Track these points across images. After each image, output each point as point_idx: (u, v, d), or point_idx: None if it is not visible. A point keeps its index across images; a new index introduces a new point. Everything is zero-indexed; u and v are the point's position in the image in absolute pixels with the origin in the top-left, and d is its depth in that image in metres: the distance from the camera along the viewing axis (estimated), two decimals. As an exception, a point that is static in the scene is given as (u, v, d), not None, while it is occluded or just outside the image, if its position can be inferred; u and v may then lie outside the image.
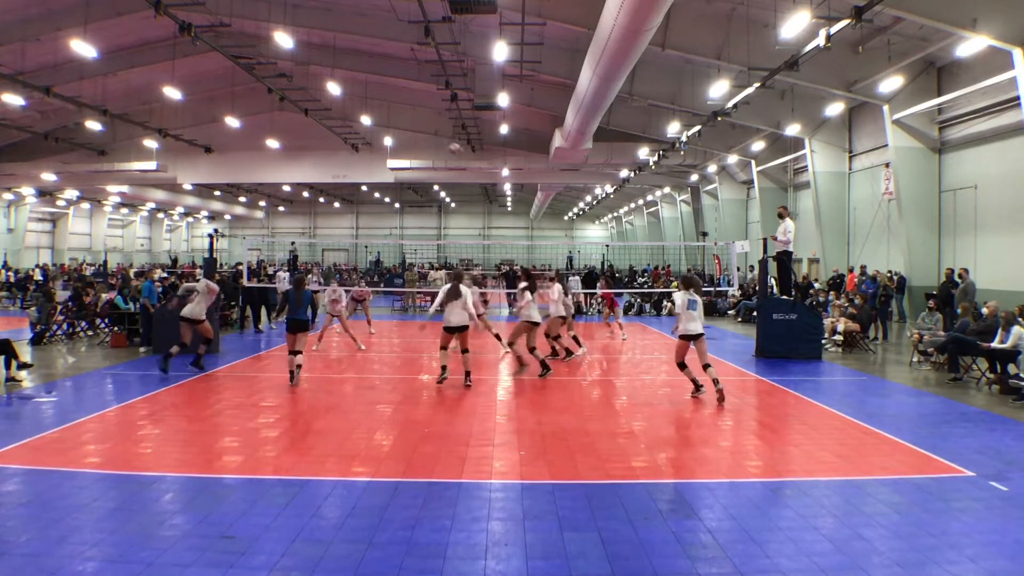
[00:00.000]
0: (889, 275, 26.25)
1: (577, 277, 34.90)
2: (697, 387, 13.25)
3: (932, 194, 26.72)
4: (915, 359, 17.30)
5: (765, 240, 20.24)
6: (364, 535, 6.66)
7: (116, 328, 20.07)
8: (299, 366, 14.31)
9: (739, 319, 28.15)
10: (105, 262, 47.10)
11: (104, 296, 23.54)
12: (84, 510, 7.27)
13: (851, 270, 29.60)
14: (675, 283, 36.70)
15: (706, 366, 12.95)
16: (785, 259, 19.66)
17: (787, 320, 17.96)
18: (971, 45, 20.68)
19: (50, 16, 28.24)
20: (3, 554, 6.21)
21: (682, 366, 13.19)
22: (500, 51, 24.12)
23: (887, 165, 28.68)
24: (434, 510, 7.31)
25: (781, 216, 19.65)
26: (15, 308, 32.63)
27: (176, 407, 12.30)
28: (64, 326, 21.26)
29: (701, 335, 13.02)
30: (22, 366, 14.58)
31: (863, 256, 31.18)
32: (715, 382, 12.82)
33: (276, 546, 6.39)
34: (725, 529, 6.88)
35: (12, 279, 41.18)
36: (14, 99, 30.94)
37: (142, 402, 12.56)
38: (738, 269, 28.11)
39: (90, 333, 21.79)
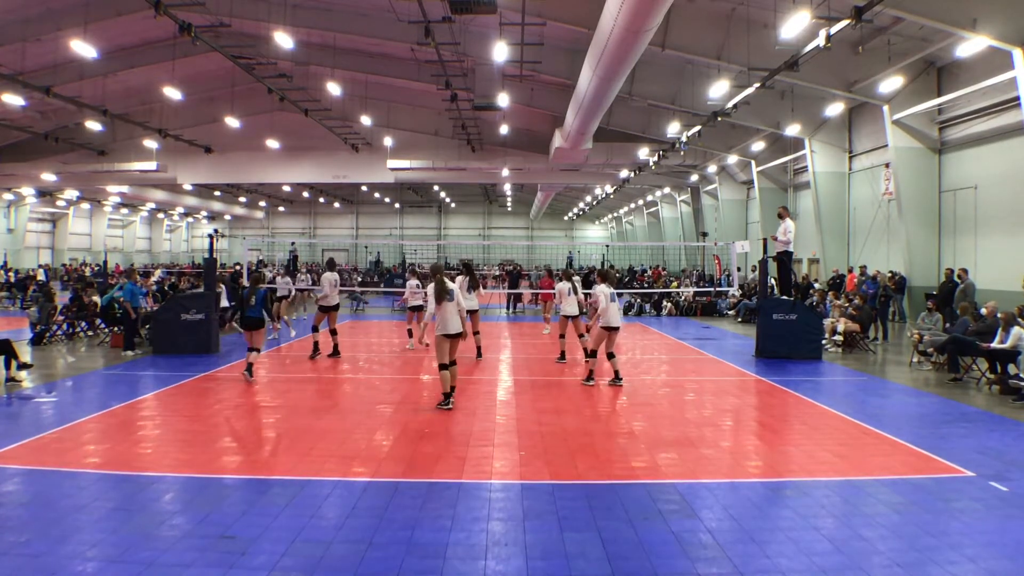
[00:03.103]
0: (890, 275, 26.24)
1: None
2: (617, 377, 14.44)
3: (932, 194, 26.71)
4: (915, 359, 17.28)
5: (765, 240, 20.24)
6: (364, 535, 6.67)
7: (116, 328, 20.03)
8: (251, 364, 14.64)
9: (739, 319, 28.13)
10: (105, 262, 47.05)
11: (96, 297, 23.36)
12: (84, 510, 7.28)
13: (851, 270, 29.60)
14: (675, 282, 36.75)
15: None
16: (785, 259, 19.67)
17: (787, 320, 17.95)
18: (971, 45, 20.69)
19: (50, 16, 28.25)
20: (4, 554, 6.22)
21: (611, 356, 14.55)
22: (500, 51, 24.12)
23: (887, 165, 28.68)
24: (434, 510, 7.32)
25: (781, 216, 19.65)
26: (15, 308, 32.59)
27: (176, 407, 12.30)
28: (64, 326, 21.25)
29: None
30: (22, 366, 14.57)
31: (863, 256, 31.17)
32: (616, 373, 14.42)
33: (276, 546, 6.40)
34: (725, 529, 6.89)
35: (12, 279, 41.11)
36: (14, 99, 30.95)
37: (142, 402, 12.58)
38: (738, 269, 28.09)
39: (90, 333, 21.77)
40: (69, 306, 22.24)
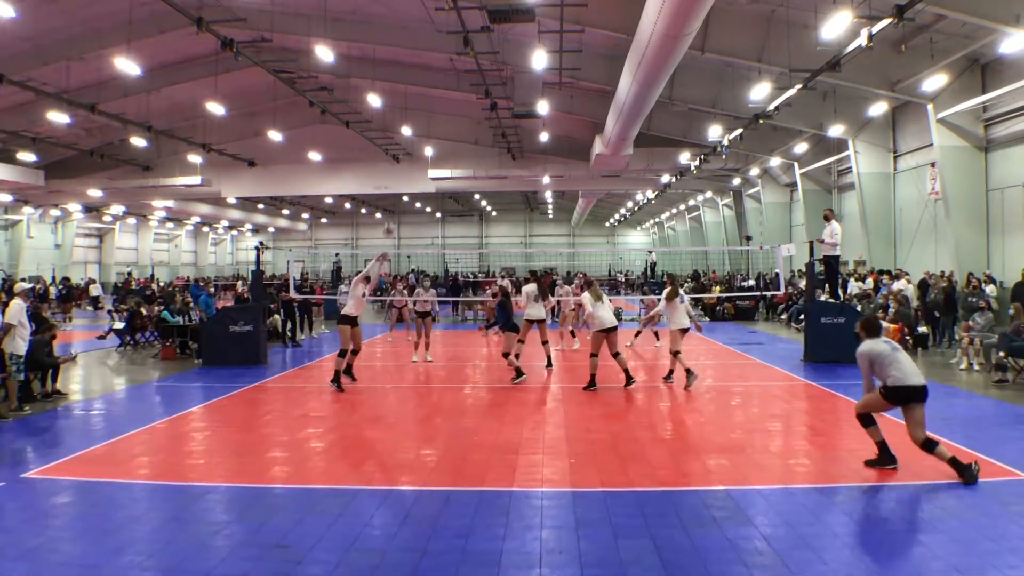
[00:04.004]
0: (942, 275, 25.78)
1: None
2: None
3: (979, 193, 26.30)
4: (964, 362, 16.98)
5: (811, 243, 20.08)
6: (418, 544, 6.69)
7: (168, 342, 20.35)
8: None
9: (793, 325, 27.38)
10: (152, 276, 47.85)
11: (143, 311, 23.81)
12: (139, 521, 7.39)
13: (882, 272, 29.03)
14: (718, 287, 36.53)
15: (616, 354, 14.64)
16: (832, 262, 19.49)
17: (836, 324, 17.79)
18: (1015, 41, 20.31)
19: (94, 35, 28.65)
20: (62, 564, 6.33)
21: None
22: (539, 59, 24.08)
23: (933, 165, 28.31)
24: (486, 518, 7.33)
25: (827, 219, 19.46)
26: (69, 324, 32.99)
27: (225, 419, 12.44)
28: (136, 337, 22.28)
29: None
30: (55, 391, 14.50)
31: (911, 257, 30.76)
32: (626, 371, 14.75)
33: (331, 555, 6.44)
34: (781, 536, 6.82)
35: (63, 292, 41.63)
36: (60, 117, 31.46)
37: (192, 414, 12.72)
38: (791, 273, 27.68)
39: (154, 345, 22.04)
40: (131, 319, 22.77)
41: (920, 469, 8.80)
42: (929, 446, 8.58)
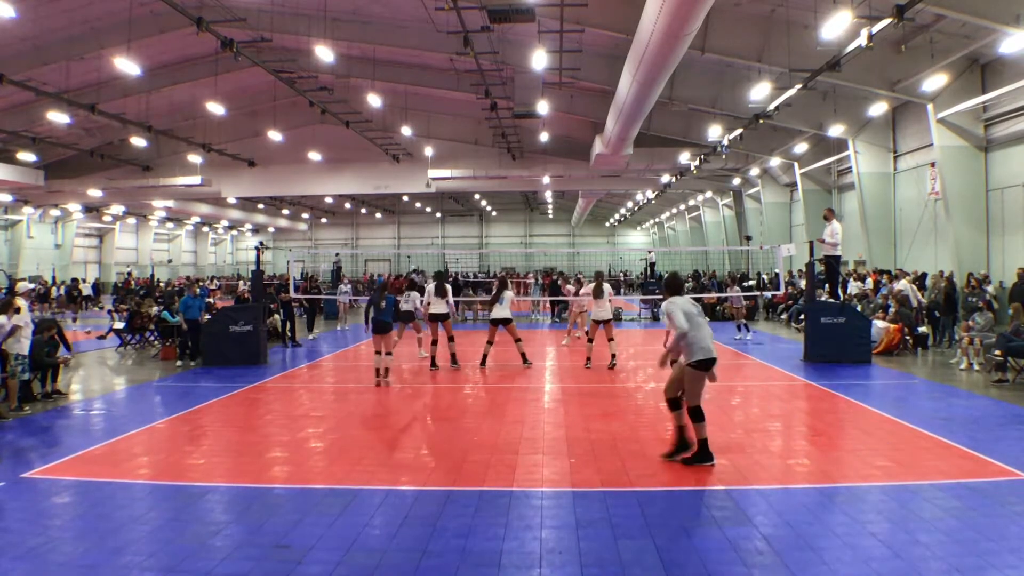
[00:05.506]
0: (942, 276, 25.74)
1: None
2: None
3: (979, 193, 26.28)
4: (964, 362, 16.96)
5: (811, 243, 20.07)
6: (418, 544, 6.69)
7: (168, 342, 20.33)
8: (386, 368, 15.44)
9: (793, 325, 27.37)
10: (152, 276, 47.77)
11: (153, 309, 23.85)
12: (139, 521, 7.38)
13: (882, 272, 29.00)
14: (729, 287, 36.50)
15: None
16: (833, 262, 19.48)
17: (835, 324, 17.78)
18: (1015, 41, 20.28)
19: (93, 35, 28.68)
20: (62, 565, 6.32)
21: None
22: (539, 59, 24.05)
23: (933, 164, 28.29)
24: (487, 518, 7.32)
25: (827, 219, 19.44)
26: (75, 323, 32.97)
27: (225, 419, 12.43)
28: (136, 336, 22.32)
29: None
30: (55, 391, 14.50)
31: (911, 257, 30.74)
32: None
33: (331, 555, 6.44)
34: (781, 536, 6.83)
35: (72, 293, 41.64)
36: (60, 117, 31.49)
37: (192, 414, 12.69)
38: (790, 273, 27.63)
39: (155, 344, 22.05)
40: (131, 319, 22.76)
41: (922, 469, 8.81)
42: (677, 405, 9.30)
